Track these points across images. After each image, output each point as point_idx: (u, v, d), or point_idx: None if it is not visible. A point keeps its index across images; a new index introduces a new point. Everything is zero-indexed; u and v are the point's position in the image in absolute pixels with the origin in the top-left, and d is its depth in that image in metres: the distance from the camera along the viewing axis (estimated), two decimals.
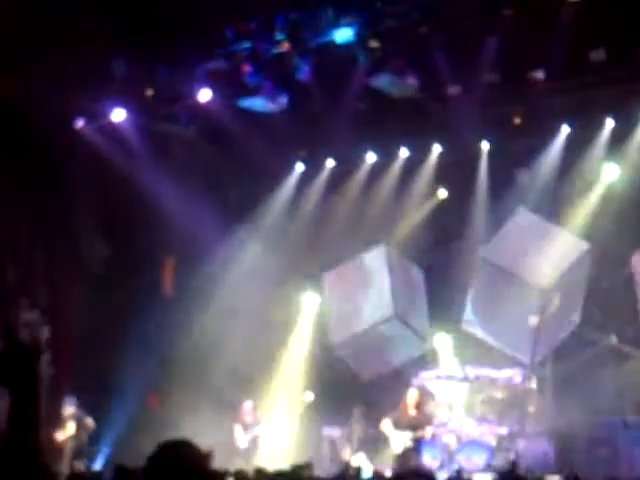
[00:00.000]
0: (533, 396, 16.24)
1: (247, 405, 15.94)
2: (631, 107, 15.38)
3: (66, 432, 14.85)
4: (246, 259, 17.42)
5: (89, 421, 15.10)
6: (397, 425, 13.98)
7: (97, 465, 15.50)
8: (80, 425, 14.96)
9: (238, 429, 15.66)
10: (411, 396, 14.29)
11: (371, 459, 15.08)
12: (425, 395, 15.61)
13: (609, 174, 16.20)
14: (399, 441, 13.86)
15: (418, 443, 13.90)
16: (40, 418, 3.13)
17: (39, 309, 16.86)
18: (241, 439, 15.62)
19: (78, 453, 14.81)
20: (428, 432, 13.91)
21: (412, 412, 14.11)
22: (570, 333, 15.93)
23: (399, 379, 16.14)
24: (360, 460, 14.39)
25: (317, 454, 16.18)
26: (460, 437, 15.76)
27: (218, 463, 9.42)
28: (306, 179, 18.36)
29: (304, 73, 14.85)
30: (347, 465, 13.04)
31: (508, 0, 13.55)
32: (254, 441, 15.65)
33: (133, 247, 17.33)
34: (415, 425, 13.87)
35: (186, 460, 3.23)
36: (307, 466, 9.89)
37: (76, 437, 14.87)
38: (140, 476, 6.62)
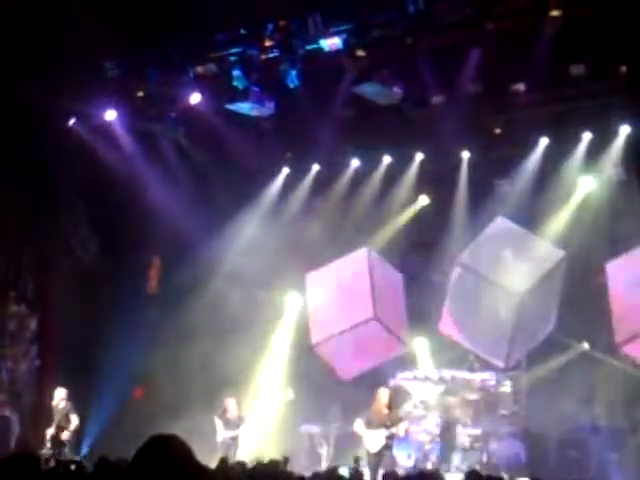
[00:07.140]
0: (506, 399, 16.58)
1: (229, 402, 16.20)
2: (608, 121, 15.59)
3: (55, 425, 15.11)
4: (230, 259, 17.65)
5: (74, 418, 15.32)
6: (370, 424, 14.05)
7: (80, 456, 15.71)
8: (67, 420, 15.22)
9: (219, 424, 15.91)
10: (383, 395, 14.35)
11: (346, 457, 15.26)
12: (400, 395, 15.89)
13: (585, 186, 16.49)
14: (374, 440, 13.92)
15: (391, 441, 13.98)
16: None
17: (27, 302, 17.15)
18: (221, 434, 15.89)
19: (60, 445, 15.01)
20: (401, 429, 13.96)
21: (384, 411, 14.15)
22: (544, 338, 16.25)
23: (377, 379, 16.33)
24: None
25: (295, 450, 16.44)
26: (434, 437, 16.06)
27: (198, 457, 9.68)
28: (291, 182, 18.63)
29: (292, 79, 14.99)
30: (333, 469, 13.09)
31: (492, 14, 13.67)
32: (234, 438, 15.93)
33: (120, 244, 17.56)
34: (388, 423, 13.93)
35: (173, 454, 3.23)
36: (284, 461, 10.19)
37: (61, 431, 15.10)
38: (121, 468, 6.91)
